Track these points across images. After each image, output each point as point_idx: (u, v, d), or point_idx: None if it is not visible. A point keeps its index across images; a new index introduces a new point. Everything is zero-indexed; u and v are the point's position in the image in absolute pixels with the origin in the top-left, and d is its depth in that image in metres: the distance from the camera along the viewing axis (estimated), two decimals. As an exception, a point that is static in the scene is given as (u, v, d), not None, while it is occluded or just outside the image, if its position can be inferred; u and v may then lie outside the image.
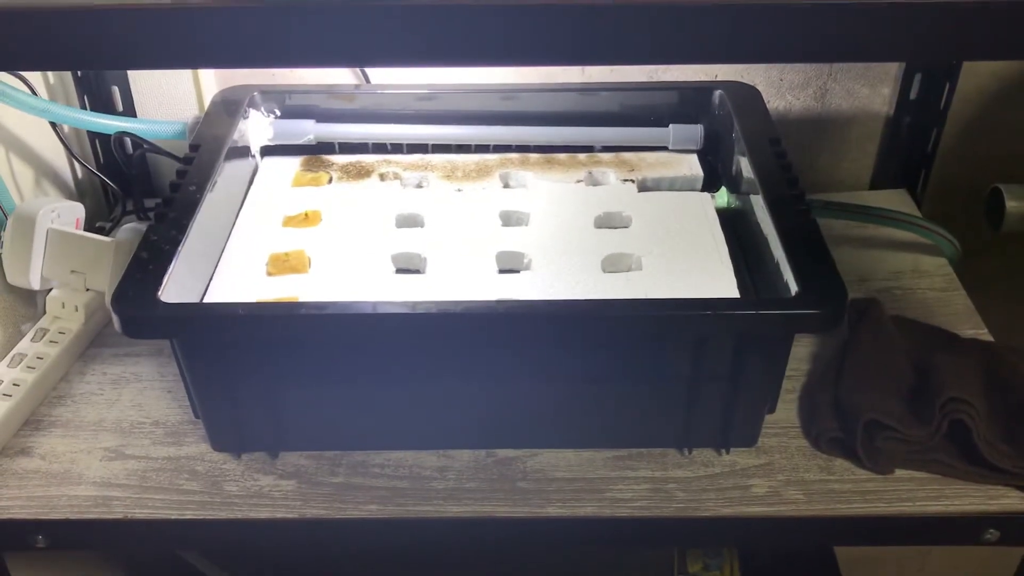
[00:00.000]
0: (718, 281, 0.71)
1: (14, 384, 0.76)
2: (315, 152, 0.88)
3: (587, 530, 0.70)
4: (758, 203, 0.74)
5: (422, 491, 0.70)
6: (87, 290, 0.82)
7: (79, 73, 0.97)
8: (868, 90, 1.01)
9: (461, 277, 0.73)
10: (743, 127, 0.80)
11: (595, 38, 0.44)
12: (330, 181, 0.85)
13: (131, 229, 0.80)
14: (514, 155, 0.87)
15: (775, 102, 1.01)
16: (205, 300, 0.70)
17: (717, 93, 0.87)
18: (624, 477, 0.71)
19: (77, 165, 0.98)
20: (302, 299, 0.70)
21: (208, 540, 0.79)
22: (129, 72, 0.98)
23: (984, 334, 0.83)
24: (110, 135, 0.90)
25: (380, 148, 0.88)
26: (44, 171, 0.93)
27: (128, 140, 0.94)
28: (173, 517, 0.69)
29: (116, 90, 0.99)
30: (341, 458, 0.73)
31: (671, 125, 0.87)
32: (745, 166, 0.78)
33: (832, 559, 1.11)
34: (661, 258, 0.74)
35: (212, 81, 0.98)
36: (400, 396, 0.70)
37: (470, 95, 0.88)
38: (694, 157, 0.86)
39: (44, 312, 0.84)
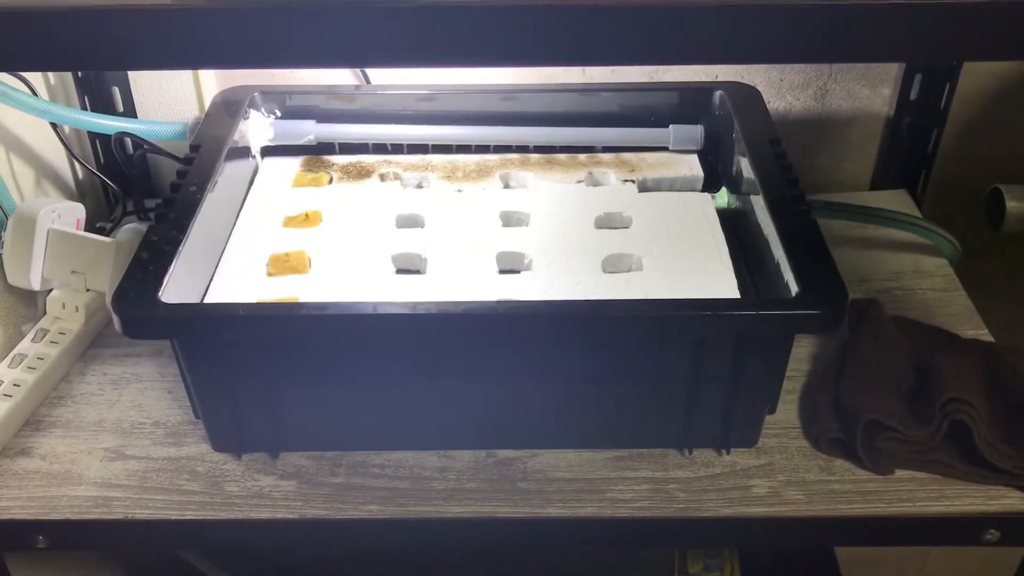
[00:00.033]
0: (718, 282, 0.71)
1: (14, 384, 0.76)
2: (315, 153, 0.88)
3: (587, 530, 0.70)
4: (758, 203, 0.74)
5: (422, 491, 0.70)
6: (87, 290, 0.82)
7: (79, 74, 0.97)
8: (868, 91, 1.01)
9: (461, 277, 0.73)
10: (743, 127, 0.80)
11: (595, 39, 0.44)
12: (330, 181, 0.85)
13: (131, 230, 0.80)
14: (514, 155, 0.87)
15: (775, 103, 1.01)
16: (205, 300, 0.70)
17: (717, 94, 0.87)
18: (624, 477, 0.71)
19: (78, 165, 0.98)
20: (302, 299, 0.70)
21: (209, 540, 0.79)
22: (129, 73, 0.98)
23: (984, 334, 0.83)
24: (110, 135, 0.90)
25: (380, 148, 0.88)
26: (45, 171, 0.93)
27: (128, 140, 0.94)
28: (173, 517, 0.69)
29: (116, 91, 0.99)
30: (341, 458, 0.73)
31: (671, 126, 0.87)
32: (745, 166, 0.78)
33: (832, 560, 1.11)
34: (661, 258, 0.74)
35: (212, 82, 0.98)
36: (400, 396, 0.70)
37: (470, 96, 0.88)
38: (694, 157, 0.86)
39: (44, 312, 0.84)
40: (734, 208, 0.81)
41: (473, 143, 0.88)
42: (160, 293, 0.63)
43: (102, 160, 1.02)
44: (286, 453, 0.73)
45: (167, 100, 1.00)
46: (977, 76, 0.98)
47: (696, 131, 0.87)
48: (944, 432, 0.69)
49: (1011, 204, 0.90)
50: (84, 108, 0.98)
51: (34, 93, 0.85)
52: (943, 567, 1.25)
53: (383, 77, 0.94)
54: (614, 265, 0.74)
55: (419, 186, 0.85)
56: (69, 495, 0.70)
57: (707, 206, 0.80)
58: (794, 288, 0.64)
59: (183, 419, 0.76)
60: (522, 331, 0.64)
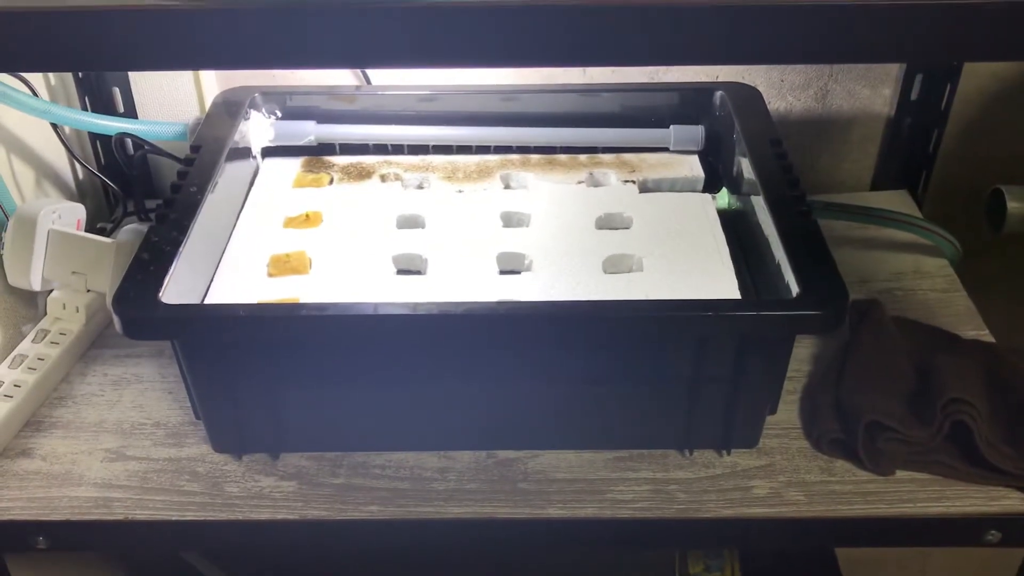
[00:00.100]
0: (719, 282, 0.71)
1: (15, 385, 0.76)
2: (316, 153, 0.88)
3: (588, 531, 0.70)
4: (759, 204, 0.74)
5: (423, 492, 0.70)
6: (88, 291, 0.82)
7: (80, 74, 0.97)
8: (869, 91, 1.01)
9: (462, 278, 0.73)
10: (744, 128, 0.80)
11: (596, 39, 0.44)
12: (331, 182, 0.85)
13: (132, 230, 0.80)
14: (515, 156, 0.87)
15: (776, 103, 1.01)
16: (206, 301, 0.70)
17: (718, 94, 0.87)
18: (625, 478, 0.71)
19: (78, 166, 0.98)
20: (303, 300, 0.70)
21: (209, 541, 0.79)
22: (130, 73, 0.98)
23: (985, 335, 0.83)
24: (111, 136, 0.90)
25: (381, 149, 0.88)
26: (45, 172, 0.93)
27: (129, 141, 0.94)
28: (174, 518, 0.69)
29: (117, 91, 0.99)
30: (342, 459, 0.73)
31: (672, 126, 0.87)
32: (746, 167, 0.78)
33: (833, 560, 1.11)
34: (662, 259, 0.74)
35: (213, 82, 0.98)
36: (401, 397, 0.70)
37: (471, 96, 0.88)
38: (695, 158, 0.86)
39: (45, 313, 0.84)
40: (735, 209, 0.81)
41: (474, 144, 0.88)
42: (160, 294, 0.63)
43: (103, 161, 1.02)
44: (287, 454, 0.73)
45: (168, 101, 1.00)
46: (978, 76, 0.98)
47: (697, 132, 0.87)
48: (945, 433, 0.69)
49: (1012, 205, 0.90)
50: (85, 109, 0.98)
51: (35, 94, 0.85)
52: (944, 568, 1.25)
53: (384, 78, 0.94)
54: (615, 266, 0.74)
55: (420, 187, 0.85)
56: (69, 496, 0.70)
57: (708, 207, 0.80)
58: (795, 289, 0.64)
59: (184, 420, 0.76)
60: (523, 332, 0.64)
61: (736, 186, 0.81)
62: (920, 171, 1.04)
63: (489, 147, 0.88)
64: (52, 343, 0.81)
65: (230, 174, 0.80)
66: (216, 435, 0.73)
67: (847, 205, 0.93)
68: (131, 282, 0.64)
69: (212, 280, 0.73)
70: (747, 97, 0.86)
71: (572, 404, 0.71)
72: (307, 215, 0.79)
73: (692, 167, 0.85)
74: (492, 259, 0.75)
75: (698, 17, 0.44)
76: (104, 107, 0.99)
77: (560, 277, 0.72)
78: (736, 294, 0.70)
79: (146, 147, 0.91)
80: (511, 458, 0.72)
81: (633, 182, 0.84)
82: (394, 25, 0.44)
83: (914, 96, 1.00)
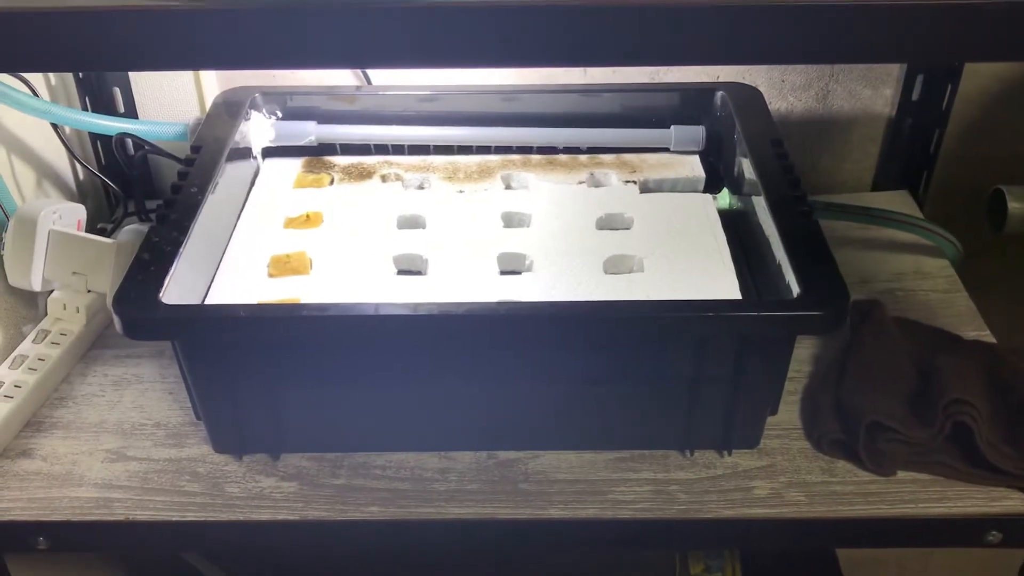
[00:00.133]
0: (720, 282, 0.71)
1: (15, 386, 0.76)
2: (316, 153, 0.88)
3: (589, 532, 0.70)
4: (760, 204, 0.73)
5: (424, 493, 0.70)
6: (88, 291, 0.82)
7: (80, 74, 0.97)
8: (870, 91, 1.01)
9: (463, 278, 0.73)
10: (745, 128, 0.80)
11: (596, 39, 0.44)
12: (332, 182, 0.85)
13: (132, 231, 0.80)
14: (516, 156, 0.87)
15: (777, 103, 1.01)
16: (206, 302, 0.70)
17: (719, 94, 0.87)
18: (626, 479, 0.71)
19: (78, 166, 0.98)
20: (303, 301, 0.70)
21: (209, 542, 0.79)
22: (130, 73, 0.98)
23: (986, 335, 0.83)
24: (111, 136, 0.90)
25: (382, 149, 0.88)
26: (45, 172, 0.93)
27: (129, 141, 0.94)
28: (174, 519, 0.69)
29: (117, 91, 0.99)
30: (342, 460, 0.72)
31: (673, 126, 0.87)
32: (747, 167, 0.78)
33: (834, 561, 1.11)
34: (663, 259, 0.74)
35: (213, 82, 0.98)
36: (402, 398, 0.70)
37: (472, 96, 0.88)
38: (696, 158, 0.86)
39: (45, 314, 0.84)
40: (735, 209, 0.81)
41: (474, 144, 0.88)
42: (161, 294, 0.63)
43: (103, 161, 1.02)
44: (287, 454, 0.73)
45: (168, 101, 1.00)
46: (979, 77, 0.98)
47: (697, 132, 0.87)
48: (946, 433, 0.69)
49: (1013, 205, 0.90)
50: (85, 109, 0.98)
51: (35, 94, 0.85)
52: (945, 568, 1.25)
53: (384, 78, 0.94)
54: (615, 266, 0.74)
55: (420, 187, 0.85)
56: (70, 496, 0.70)
57: (708, 207, 0.80)
58: (796, 289, 0.64)
59: (184, 420, 0.76)
60: (523, 332, 0.64)
61: (737, 186, 0.81)
62: (921, 171, 1.04)
63: (490, 147, 0.88)
64: (53, 343, 0.81)
65: (231, 174, 0.79)
66: (217, 436, 0.73)
67: (848, 205, 0.93)
68: (132, 282, 0.64)
69: (212, 280, 0.73)
70: (748, 97, 0.86)
71: (573, 405, 0.71)
72: (308, 215, 0.79)
73: (693, 167, 0.85)
74: (493, 259, 0.75)
75: (698, 17, 0.44)
76: (104, 107, 0.99)
77: (561, 277, 0.72)
78: (737, 294, 0.70)
79: (146, 147, 0.91)
80: (512, 459, 0.72)
81: (634, 182, 0.84)
82: (394, 25, 0.44)
83: (915, 96, 1.00)
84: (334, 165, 0.87)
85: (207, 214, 0.73)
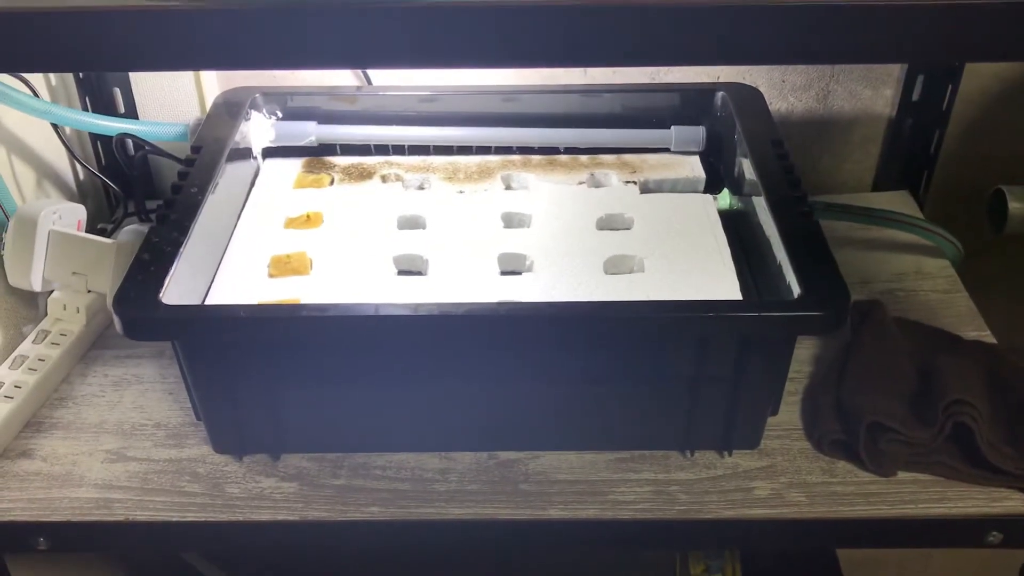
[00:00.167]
0: (720, 283, 0.71)
1: (15, 386, 0.76)
2: (317, 154, 0.88)
3: (589, 532, 0.70)
4: (760, 205, 0.73)
5: (424, 493, 0.70)
6: (88, 292, 0.82)
7: (81, 75, 0.97)
8: (870, 91, 1.01)
9: (463, 279, 0.73)
10: (745, 129, 0.80)
11: (596, 40, 0.44)
12: (332, 183, 0.85)
13: (133, 231, 0.80)
14: (516, 157, 0.87)
15: (777, 103, 1.01)
16: (207, 302, 0.70)
17: (719, 95, 0.87)
18: (626, 479, 0.71)
19: (79, 167, 0.98)
20: (304, 301, 0.70)
21: (209, 542, 0.79)
22: (131, 74, 0.98)
23: (987, 336, 0.83)
24: (112, 137, 0.90)
25: (382, 150, 0.88)
26: (46, 173, 0.93)
27: (130, 142, 0.94)
28: (174, 519, 0.69)
29: (118, 92, 0.99)
30: (343, 460, 0.72)
31: (673, 127, 0.87)
32: (747, 168, 0.78)
33: (834, 561, 1.11)
34: (663, 260, 0.74)
35: (214, 83, 0.98)
36: (402, 398, 0.70)
37: (472, 97, 0.88)
38: (696, 159, 0.86)
39: (45, 314, 0.84)
40: (736, 209, 0.81)
41: (474, 144, 0.88)
42: (161, 294, 0.63)
43: (103, 161, 1.02)
44: (287, 455, 0.73)
45: (168, 101, 1.00)
46: (979, 77, 0.98)
47: (698, 132, 0.87)
48: (946, 434, 0.69)
49: (1014, 205, 0.90)
50: (85, 109, 0.98)
51: (35, 94, 0.85)
52: (945, 569, 1.25)
53: (384, 78, 0.94)
54: (616, 266, 0.74)
55: (420, 187, 0.85)
56: (70, 497, 0.70)
57: (709, 207, 0.80)
58: (796, 289, 0.64)
59: (184, 421, 0.76)
60: (524, 332, 0.64)
61: (737, 187, 0.81)
62: (921, 172, 1.04)
63: (490, 148, 0.88)
64: (53, 344, 0.80)
65: (231, 175, 0.79)
66: (217, 436, 0.73)
67: (848, 206, 0.93)
68: (132, 283, 0.64)
69: (213, 281, 0.73)
70: (748, 98, 0.85)
71: (573, 405, 0.71)
72: (308, 216, 0.79)
73: (693, 168, 0.85)
74: (493, 260, 0.75)
75: (699, 17, 0.44)
76: (105, 108, 0.99)
77: (561, 278, 0.72)
78: (737, 295, 0.70)
79: (147, 147, 0.91)
80: (512, 459, 0.72)
81: (634, 183, 0.83)
82: (394, 25, 0.44)
83: (915, 97, 1.00)
84: (334, 165, 0.87)
85: (207, 214, 0.73)
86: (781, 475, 0.71)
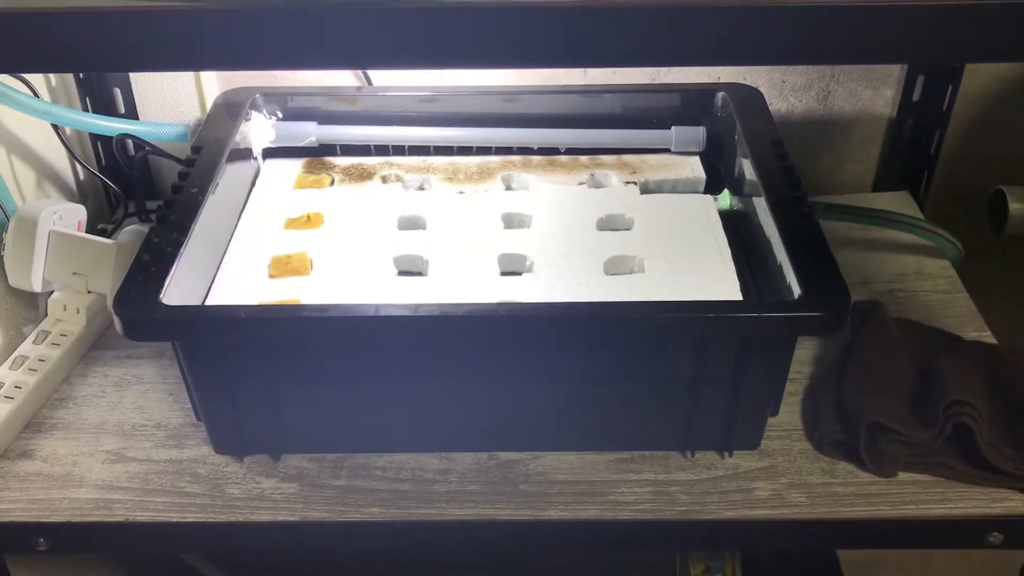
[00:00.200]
0: (721, 283, 0.71)
1: (16, 387, 0.76)
2: (317, 154, 0.88)
3: (589, 533, 0.70)
4: (760, 205, 0.73)
5: (424, 494, 0.70)
6: (89, 292, 0.82)
7: (81, 75, 0.97)
8: (871, 92, 1.01)
9: (463, 279, 0.73)
10: (745, 129, 0.80)
11: (597, 40, 0.44)
12: (332, 183, 0.85)
13: (133, 231, 0.80)
14: (516, 157, 0.87)
15: (777, 104, 1.01)
16: (207, 302, 0.70)
17: (719, 95, 0.87)
18: (627, 480, 0.71)
19: (79, 167, 0.98)
20: (304, 301, 0.70)
21: (210, 543, 0.79)
22: (131, 74, 0.98)
23: (987, 336, 0.83)
24: (112, 137, 0.90)
25: (382, 150, 0.88)
26: (46, 173, 0.93)
27: (130, 142, 0.94)
28: (175, 520, 0.69)
29: (118, 92, 0.99)
30: (343, 461, 0.72)
31: (673, 127, 0.87)
32: (747, 168, 0.78)
33: (835, 562, 1.10)
34: (664, 260, 0.74)
35: (214, 83, 0.98)
36: (402, 398, 0.70)
37: (472, 97, 0.88)
38: (696, 159, 0.86)
39: (46, 314, 0.84)
40: (736, 210, 0.81)
41: (475, 145, 0.88)
42: (161, 295, 0.63)
43: (103, 162, 1.02)
44: (288, 455, 0.73)
45: (169, 102, 1.00)
46: (980, 77, 0.98)
47: (698, 133, 0.87)
48: (947, 434, 0.69)
49: (1014, 206, 0.90)
50: (85, 109, 0.98)
51: (35, 94, 0.85)
52: (946, 570, 1.25)
53: (385, 79, 0.94)
54: (616, 267, 0.74)
55: (421, 188, 0.84)
56: (70, 497, 0.70)
57: (709, 208, 0.80)
58: (796, 290, 0.64)
59: (184, 421, 0.76)
60: (524, 333, 0.64)
61: (737, 187, 0.81)
62: (922, 172, 1.04)
63: (490, 148, 0.88)
64: (53, 344, 0.80)
65: (231, 175, 0.79)
66: (217, 436, 0.73)
67: (849, 206, 0.93)
68: (132, 283, 0.64)
69: (213, 281, 0.73)
70: (748, 98, 0.85)
71: (574, 405, 0.71)
72: (308, 216, 0.79)
73: (693, 168, 0.85)
74: (493, 260, 0.75)
75: (699, 18, 0.44)
76: (105, 108, 0.99)
77: (561, 278, 0.72)
78: (738, 295, 0.70)
79: (147, 148, 0.91)
80: (512, 459, 0.72)
81: (634, 183, 0.83)
82: (395, 26, 0.44)
83: (916, 97, 1.00)
84: (334, 166, 0.87)
85: (207, 215, 0.73)
86: (782, 476, 0.71)
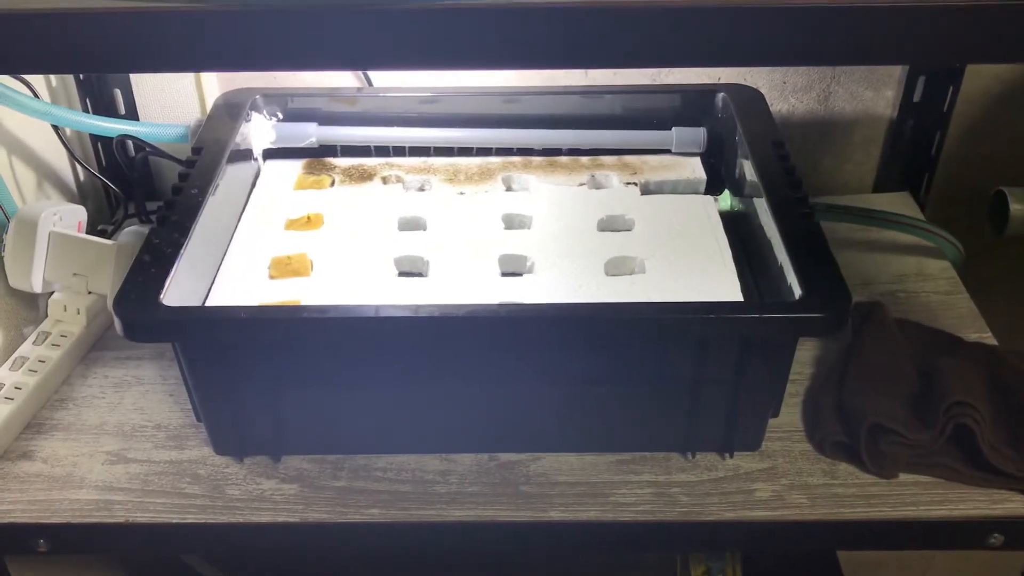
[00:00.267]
0: (721, 284, 0.71)
1: (16, 387, 0.76)
2: (317, 155, 0.88)
3: (590, 534, 0.70)
4: (761, 206, 0.73)
5: (424, 495, 0.70)
6: (89, 293, 0.82)
7: (81, 76, 0.97)
8: (871, 93, 1.01)
9: (464, 280, 0.72)
10: (746, 130, 0.80)
11: (597, 41, 0.44)
12: (332, 184, 0.85)
13: (133, 232, 0.80)
14: (516, 158, 0.87)
15: (778, 105, 1.01)
16: (207, 303, 0.70)
17: (720, 96, 0.87)
18: (627, 481, 0.71)
19: (79, 168, 0.98)
20: (304, 302, 0.70)
21: (210, 544, 0.79)
22: (131, 75, 0.98)
23: (988, 337, 0.83)
24: (112, 138, 0.90)
25: (382, 151, 0.88)
26: (46, 174, 0.93)
27: (130, 143, 0.94)
28: (175, 521, 0.69)
29: (118, 93, 0.99)
30: (343, 462, 0.72)
31: (674, 128, 0.87)
32: (748, 169, 0.78)
33: (835, 563, 1.10)
34: (664, 261, 0.74)
35: (214, 84, 0.98)
36: (402, 400, 0.70)
37: (472, 98, 0.88)
38: (697, 160, 0.86)
39: (46, 315, 0.84)
40: (737, 210, 0.81)
41: (475, 145, 0.88)
42: (162, 296, 0.63)
43: (104, 162, 1.02)
44: (288, 456, 0.73)
45: (169, 102, 1.00)
46: (980, 78, 0.98)
47: (699, 133, 0.87)
48: (948, 436, 0.69)
49: (1015, 207, 0.90)
50: (86, 110, 0.98)
51: (36, 95, 0.85)
52: (947, 571, 1.24)
53: (385, 79, 0.94)
54: (617, 268, 0.74)
55: (421, 189, 0.84)
56: (70, 498, 0.70)
57: (710, 209, 0.80)
58: (797, 291, 0.64)
59: (185, 422, 0.76)
60: (524, 334, 0.64)
61: (738, 188, 0.81)
62: (922, 173, 1.04)
63: (490, 149, 0.88)
64: (53, 345, 0.80)
65: (231, 176, 0.79)
66: (217, 437, 0.73)
67: (849, 207, 0.93)
68: (132, 284, 0.64)
69: (213, 282, 0.72)
70: (749, 99, 0.85)
71: (574, 407, 0.70)
72: (308, 217, 0.79)
73: (694, 169, 0.85)
74: (494, 261, 0.74)
75: (700, 18, 0.44)
76: (105, 109, 0.99)
77: (562, 279, 0.72)
78: (738, 296, 0.70)
79: (147, 149, 0.91)
80: (513, 461, 0.72)
81: (635, 184, 0.83)
82: (395, 27, 0.44)
83: (916, 98, 0.99)
84: (335, 167, 0.87)
85: (208, 216, 0.73)
86: (782, 477, 0.71)
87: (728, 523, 0.68)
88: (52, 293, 0.83)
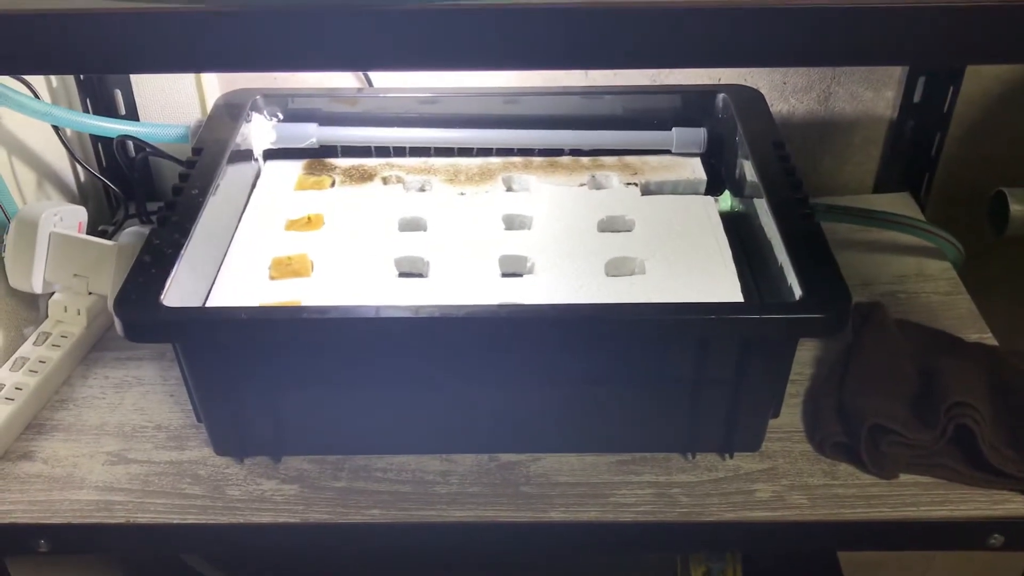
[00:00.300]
0: (722, 285, 0.71)
1: (16, 388, 0.76)
2: (318, 156, 0.88)
3: (590, 535, 0.70)
4: (761, 207, 0.73)
5: (425, 495, 0.70)
6: (89, 294, 0.82)
7: (81, 76, 0.97)
8: (872, 93, 1.01)
9: (464, 281, 0.72)
10: (746, 130, 0.80)
11: (597, 41, 0.44)
12: (333, 185, 0.85)
13: (134, 233, 0.81)
14: (517, 159, 0.87)
15: (779, 105, 1.01)
16: (207, 304, 0.70)
17: (720, 96, 0.87)
18: (628, 482, 0.71)
19: (80, 168, 0.98)
20: (305, 303, 0.70)
21: (210, 544, 0.79)
22: (131, 75, 0.98)
23: (988, 338, 0.83)
24: (113, 138, 0.90)
25: (383, 152, 0.88)
26: (46, 174, 0.93)
27: (131, 143, 0.94)
28: (175, 521, 0.69)
29: (119, 93, 0.99)
30: (344, 462, 0.72)
31: (674, 128, 0.87)
32: (748, 169, 0.78)
33: (835, 564, 1.10)
34: (664, 262, 0.74)
35: (215, 85, 0.98)
36: (403, 400, 0.70)
37: (473, 99, 0.88)
38: (697, 161, 0.86)
39: (46, 316, 0.84)
40: (737, 211, 0.81)
41: (475, 146, 0.88)
42: (162, 296, 0.63)
43: (104, 163, 1.02)
44: (288, 457, 0.73)
45: (169, 103, 1.00)
46: (981, 79, 0.98)
47: (699, 134, 0.87)
48: (948, 436, 0.69)
49: (1015, 208, 0.90)
50: (86, 111, 0.98)
51: (36, 96, 0.85)
52: (947, 571, 1.24)
53: (385, 80, 0.94)
54: (617, 268, 0.74)
55: (422, 189, 0.84)
56: (71, 499, 0.70)
57: (710, 209, 0.80)
58: (798, 292, 0.64)
59: (185, 423, 0.76)
60: (525, 335, 0.64)
61: (738, 189, 0.81)
62: (923, 173, 1.04)
63: (491, 149, 0.88)
64: (53, 346, 0.80)
65: (232, 176, 0.79)
66: (218, 438, 0.73)
67: (850, 208, 0.93)
68: (133, 285, 0.64)
69: (214, 283, 0.72)
70: (749, 99, 0.85)
71: (574, 407, 0.70)
72: (309, 218, 0.79)
73: (694, 169, 0.85)
74: (494, 262, 0.74)
75: (700, 19, 0.44)
76: (106, 109, 0.99)
77: (562, 280, 0.72)
78: (739, 297, 0.70)
79: (148, 149, 0.91)
80: (513, 461, 0.72)
81: (635, 184, 0.83)
82: (395, 27, 0.44)
83: (917, 99, 0.99)
84: (335, 167, 0.87)
85: (208, 216, 0.73)
86: (782, 477, 0.71)
87: (728, 524, 0.68)
88: (52, 294, 0.83)
